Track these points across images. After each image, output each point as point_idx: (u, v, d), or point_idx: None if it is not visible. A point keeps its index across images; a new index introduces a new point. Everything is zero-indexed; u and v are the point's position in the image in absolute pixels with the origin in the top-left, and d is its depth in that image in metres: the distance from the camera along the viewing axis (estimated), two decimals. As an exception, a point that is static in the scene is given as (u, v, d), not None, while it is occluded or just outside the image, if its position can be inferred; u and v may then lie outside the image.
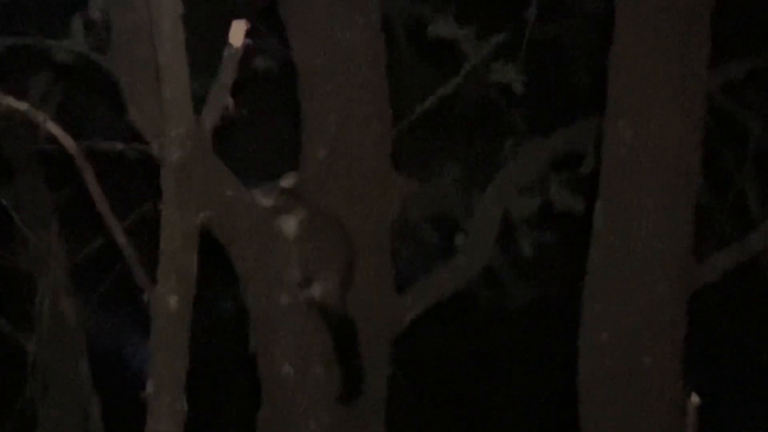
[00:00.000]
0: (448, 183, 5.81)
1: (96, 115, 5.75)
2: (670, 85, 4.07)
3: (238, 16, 3.37)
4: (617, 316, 4.12)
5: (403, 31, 5.57)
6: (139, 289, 3.68)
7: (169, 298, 3.41)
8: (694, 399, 3.80)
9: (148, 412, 3.43)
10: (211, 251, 3.82)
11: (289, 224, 4.09)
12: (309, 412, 4.11)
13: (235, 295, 4.21)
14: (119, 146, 4.99)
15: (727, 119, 5.50)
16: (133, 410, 3.57)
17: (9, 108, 3.78)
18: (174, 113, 3.39)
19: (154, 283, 3.45)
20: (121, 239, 3.81)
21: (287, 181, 4.15)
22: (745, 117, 5.60)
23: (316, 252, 4.10)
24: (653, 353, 4.09)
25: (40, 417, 6.26)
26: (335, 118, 4.25)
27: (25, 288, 6.27)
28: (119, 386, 6.52)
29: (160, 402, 3.41)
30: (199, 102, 3.46)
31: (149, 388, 3.42)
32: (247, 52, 3.38)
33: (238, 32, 3.33)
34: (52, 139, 3.74)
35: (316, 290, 4.09)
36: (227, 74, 3.38)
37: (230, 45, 3.34)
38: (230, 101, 3.45)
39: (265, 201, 4.07)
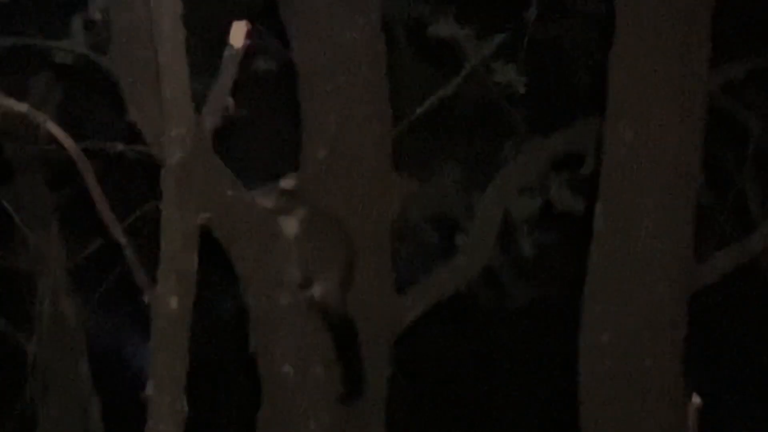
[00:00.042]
0: (449, 183, 5.81)
1: (96, 115, 5.74)
2: (671, 86, 4.07)
3: (239, 17, 3.37)
4: (618, 316, 4.11)
5: (404, 32, 5.56)
6: (139, 289, 3.68)
7: (170, 299, 3.41)
8: (695, 400, 3.81)
9: (148, 413, 3.43)
10: (212, 251, 3.81)
11: (289, 225, 4.09)
12: (309, 412, 4.11)
13: (235, 295, 4.20)
14: (119, 147, 4.99)
15: (728, 119, 5.50)
16: (133, 410, 3.58)
17: (9, 109, 3.78)
18: (174, 113, 3.39)
19: (154, 284, 3.45)
20: (122, 239, 3.81)
21: (287, 182, 4.15)
22: (745, 117, 5.60)
23: (316, 252, 4.10)
24: (654, 354, 4.09)
25: (40, 417, 6.27)
26: (335, 118, 4.25)
27: (25, 288, 6.28)
28: (119, 386, 6.52)
29: (161, 402, 3.41)
30: (199, 102, 3.46)
31: (149, 388, 3.42)
32: (248, 52, 3.38)
33: (238, 33, 3.33)
34: (53, 140, 3.74)
35: (317, 290, 4.09)
36: (227, 75, 3.38)
37: (230, 46, 3.34)
38: (230, 101, 3.45)
39: (265, 201, 4.07)
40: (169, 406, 3.41)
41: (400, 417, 4.61)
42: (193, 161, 3.44)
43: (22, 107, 3.78)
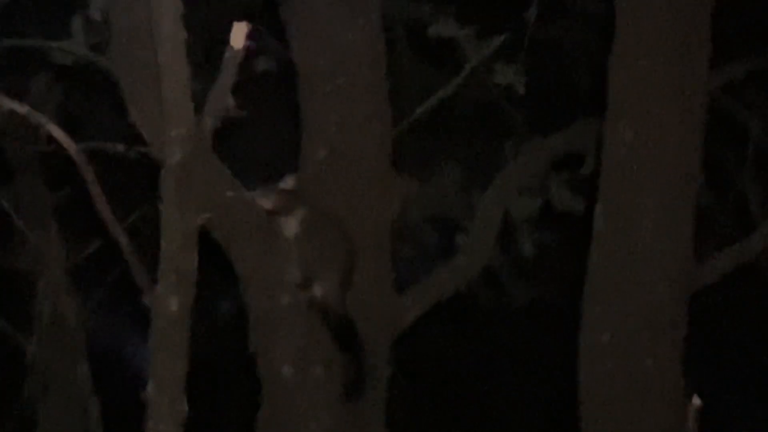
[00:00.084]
0: (448, 183, 5.81)
1: (96, 116, 5.75)
2: (671, 86, 4.07)
3: (239, 18, 3.36)
4: (618, 316, 4.11)
5: (404, 32, 5.56)
6: (139, 289, 3.68)
7: (169, 299, 3.40)
8: (696, 400, 3.81)
9: (148, 413, 3.43)
10: (211, 252, 3.81)
11: (289, 225, 4.09)
12: (309, 413, 4.11)
13: (235, 295, 4.20)
14: (119, 147, 4.99)
15: (728, 119, 5.50)
16: (133, 411, 3.57)
17: (9, 109, 3.78)
18: (174, 114, 3.38)
19: (154, 284, 3.45)
20: (121, 240, 3.81)
21: (287, 184, 4.15)
22: (745, 117, 5.60)
23: (316, 252, 4.10)
24: (654, 354, 4.09)
25: (40, 417, 6.27)
26: (335, 118, 4.26)
27: (24, 288, 6.28)
28: (119, 387, 6.52)
29: (161, 403, 3.41)
30: (199, 103, 3.46)
31: (149, 388, 3.42)
32: (248, 53, 3.38)
33: (239, 34, 3.32)
34: (52, 140, 3.74)
35: (317, 290, 4.09)
36: (228, 75, 3.37)
37: (231, 46, 3.34)
38: (231, 102, 3.45)
39: (265, 202, 4.07)
40: (169, 406, 3.41)
41: (401, 417, 4.61)
42: (193, 162, 3.44)
43: (23, 108, 3.78)
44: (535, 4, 5.09)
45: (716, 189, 5.60)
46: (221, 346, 7.04)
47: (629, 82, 4.12)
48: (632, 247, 4.11)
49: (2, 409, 6.57)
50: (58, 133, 3.71)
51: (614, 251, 4.14)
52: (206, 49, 3.64)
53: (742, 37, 5.32)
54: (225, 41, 3.37)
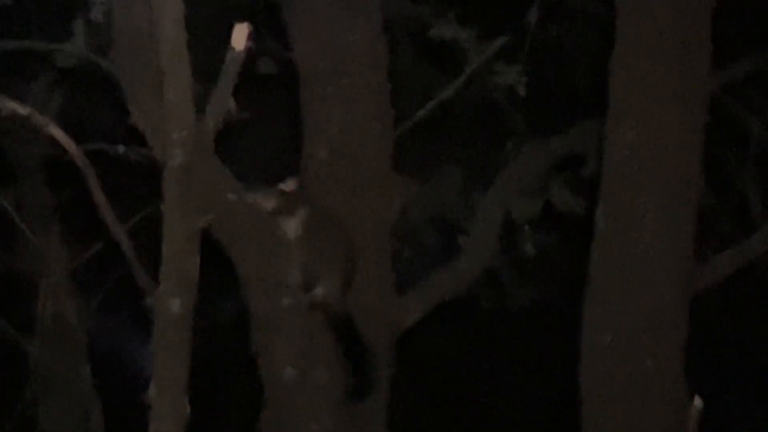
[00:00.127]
0: (450, 184, 5.81)
1: (97, 117, 5.75)
2: (672, 87, 4.07)
3: (240, 19, 3.37)
4: (619, 317, 4.11)
5: (405, 33, 5.56)
6: (141, 291, 3.68)
7: (171, 301, 3.40)
8: (697, 402, 3.81)
9: (150, 415, 3.43)
10: (213, 253, 3.82)
11: (290, 226, 4.09)
12: (311, 414, 4.11)
13: (236, 297, 4.21)
14: (121, 149, 5.00)
15: (728, 120, 5.50)
16: (135, 412, 3.58)
17: (11, 111, 3.78)
18: (176, 116, 3.39)
19: (155, 286, 3.45)
20: (123, 242, 3.81)
21: (287, 186, 4.15)
22: (746, 118, 5.60)
23: (317, 253, 4.10)
24: (655, 355, 4.09)
25: (41, 419, 6.27)
26: (337, 119, 4.26)
27: (26, 290, 6.28)
28: (121, 388, 6.52)
29: (162, 404, 3.41)
30: (201, 104, 3.46)
31: (151, 390, 3.42)
32: (249, 55, 3.38)
33: (240, 35, 3.33)
34: (54, 143, 3.75)
35: (318, 291, 4.09)
36: (229, 77, 3.38)
37: (232, 48, 3.34)
38: (232, 104, 3.45)
39: (266, 203, 4.07)
40: (170, 407, 3.41)
41: (402, 418, 4.61)
42: (195, 163, 3.44)
43: (25, 110, 3.78)
44: (536, 6, 5.09)
45: (717, 190, 5.60)
46: (223, 347, 7.04)
47: (630, 83, 4.12)
48: (633, 248, 4.11)
49: (4, 411, 6.57)
50: (59, 134, 3.72)
51: (615, 252, 4.14)
52: (207, 51, 3.63)
53: (743, 38, 5.33)
54: (226, 43, 3.37)
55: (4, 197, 5.59)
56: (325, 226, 4.15)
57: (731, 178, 5.76)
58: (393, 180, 4.42)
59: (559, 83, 5.89)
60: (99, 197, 3.74)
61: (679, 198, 4.12)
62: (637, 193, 4.11)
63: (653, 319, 4.10)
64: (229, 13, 4.47)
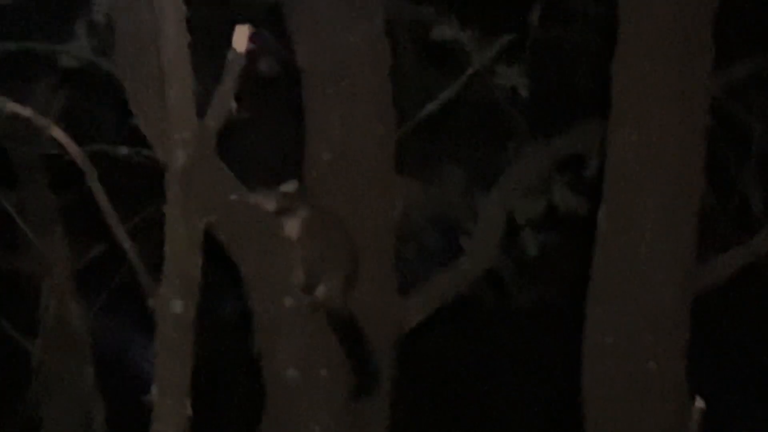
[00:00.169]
0: (452, 185, 5.81)
1: (100, 119, 5.75)
2: (674, 88, 4.07)
3: (242, 21, 3.37)
4: (621, 318, 4.11)
5: (407, 34, 5.57)
6: (144, 292, 3.68)
7: (174, 302, 3.41)
8: (699, 403, 3.80)
9: (152, 416, 3.43)
10: (215, 254, 3.82)
11: (292, 226, 4.10)
12: (313, 415, 4.11)
13: (239, 298, 4.21)
14: (123, 150, 5.00)
15: (730, 121, 5.50)
16: (138, 414, 3.58)
17: (13, 113, 3.78)
18: (178, 117, 3.39)
19: (158, 287, 3.46)
20: (125, 243, 3.81)
21: (288, 187, 4.16)
22: (747, 119, 5.60)
23: (319, 254, 4.10)
24: (657, 356, 4.09)
25: (44, 420, 6.28)
26: (339, 121, 4.26)
27: (29, 292, 6.29)
28: (123, 390, 6.52)
29: (165, 406, 3.41)
30: (203, 106, 3.46)
31: (153, 392, 3.42)
32: (251, 56, 3.38)
33: (241, 37, 3.33)
34: (56, 144, 3.75)
35: (320, 291, 4.09)
36: (231, 78, 3.38)
37: (234, 49, 3.35)
38: (234, 105, 3.45)
39: (268, 203, 4.07)
40: (173, 409, 3.41)
41: (404, 418, 4.61)
42: (197, 165, 3.45)
43: (27, 111, 3.78)
44: (538, 7, 5.09)
45: (718, 191, 5.60)
46: (225, 348, 7.04)
47: (632, 84, 4.12)
48: (635, 248, 4.10)
49: (7, 412, 6.58)
50: (61, 136, 3.72)
51: (617, 253, 4.14)
52: (209, 53, 3.63)
53: (744, 39, 5.33)
54: (227, 44, 3.37)
55: (6, 199, 5.59)
56: (326, 227, 4.16)
57: (733, 178, 5.76)
58: (395, 181, 4.42)
59: (560, 84, 5.89)
60: (101, 198, 3.73)
61: (680, 199, 4.12)
62: (639, 194, 4.11)
63: (655, 320, 4.10)
64: (231, 15, 4.47)
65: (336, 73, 4.24)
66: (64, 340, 6.25)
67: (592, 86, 5.65)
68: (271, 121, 5.81)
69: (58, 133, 3.73)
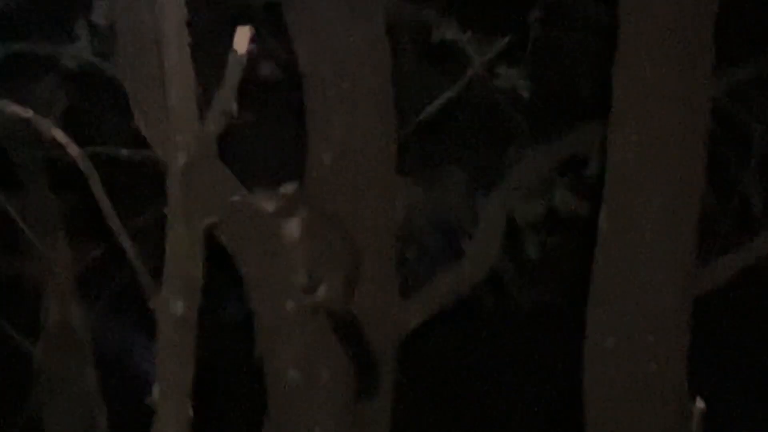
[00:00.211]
0: (453, 187, 5.81)
1: (101, 120, 5.76)
2: (674, 90, 4.07)
3: (243, 22, 3.37)
4: (622, 320, 4.11)
5: (407, 36, 5.57)
6: (145, 294, 3.68)
7: (175, 304, 3.41)
8: (699, 404, 3.81)
9: (154, 418, 3.44)
10: (216, 256, 3.82)
11: (292, 227, 4.10)
12: (314, 417, 4.11)
13: (241, 299, 4.21)
14: (124, 152, 5.00)
15: (731, 123, 5.50)
16: (139, 416, 3.58)
17: (15, 115, 3.78)
18: (179, 118, 3.40)
19: (159, 289, 3.46)
20: (127, 245, 3.81)
21: (288, 188, 4.16)
22: (748, 120, 5.60)
23: (319, 255, 4.10)
24: (658, 358, 4.09)
25: (46, 422, 6.28)
26: (340, 122, 4.26)
27: (30, 294, 6.29)
28: (125, 392, 6.53)
29: (166, 408, 3.42)
30: (204, 107, 3.47)
31: (155, 393, 3.43)
32: (252, 58, 3.38)
33: (242, 38, 3.33)
34: (58, 146, 3.75)
35: (321, 292, 4.09)
36: (232, 80, 3.38)
37: (234, 51, 3.35)
38: (235, 107, 3.46)
39: (268, 204, 4.07)
40: (174, 410, 3.42)
41: (405, 420, 4.61)
42: (198, 166, 3.45)
43: (28, 113, 3.78)
44: (538, 8, 5.09)
45: (719, 192, 5.60)
46: (226, 349, 7.04)
47: (633, 86, 4.11)
48: (636, 250, 4.10)
49: (9, 414, 6.58)
50: (63, 137, 3.72)
51: (618, 255, 4.14)
52: (210, 54, 3.64)
53: (745, 40, 5.33)
54: (228, 46, 3.38)
55: (8, 201, 5.59)
56: (327, 228, 4.16)
57: (733, 180, 5.76)
58: (396, 182, 4.42)
59: (561, 85, 5.89)
60: (102, 200, 3.73)
61: (681, 200, 4.12)
62: (640, 196, 4.11)
63: (656, 321, 4.10)
64: (232, 16, 4.48)
65: (336, 75, 4.24)
66: (65, 342, 6.25)
67: (593, 87, 5.66)
68: (272, 123, 5.81)
69: (59, 135, 3.73)
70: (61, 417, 6.26)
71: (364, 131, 4.28)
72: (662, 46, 4.07)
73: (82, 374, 6.29)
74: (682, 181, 4.11)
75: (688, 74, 4.07)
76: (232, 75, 3.39)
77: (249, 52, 3.36)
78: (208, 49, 3.62)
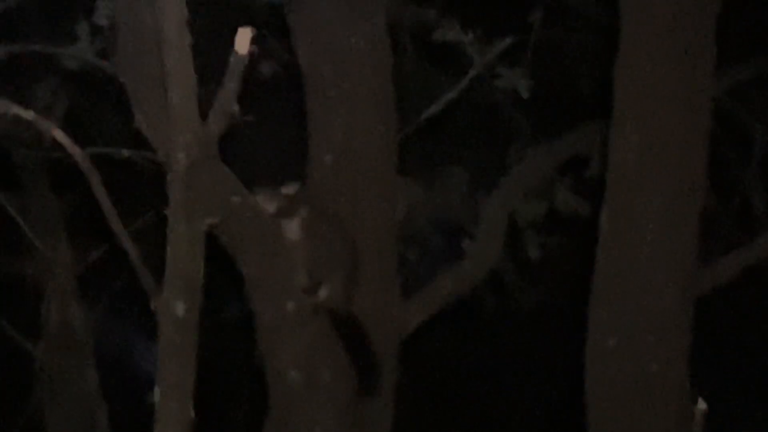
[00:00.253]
0: (454, 188, 5.81)
1: (102, 121, 5.76)
2: (676, 90, 4.06)
3: (244, 23, 3.37)
4: (623, 321, 4.11)
5: (408, 36, 5.57)
6: (146, 295, 3.68)
7: (176, 304, 3.41)
8: (701, 405, 3.80)
9: (155, 419, 3.44)
10: (218, 256, 3.82)
11: (293, 228, 4.10)
12: (315, 417, 4.11)
13: (242, 300, 4.21)
14: (125, 153, 5.00)
15: (732, 123, 5.50)
16: (141, 416, 3.58)
17: (15, 115, 3.78)
18: (180, 119, 3.40)
19: (161, 289, 3.46)
20: (128, 245, 3.81)
21: (288, 189, 4.16)
22: (750, 120, 5.60)
23: (319, 255, 4.11)
24: (659, 358, 4.09)
25: (48, 423, 6.27)
26: (340, 123, 4.26)
27: (32, 294, 6.29)
28: (126, 392, 6.53)
29: (168, 408, 3.42)
30: (205, 108, 3.47)
31: (156, 394, 3.43)
32: (253, 58, 3.39)
33: (243, 39, 3.33)
34: (59, 146, 3.75)
35: (322, 293, 4.09)
36: (233, 81, 3.38)
37: (236, 52, 3.35)
38: (236, 108, 3.46)
39: (268, 205, 4.08)
40: (176, 411, 3.42)
41: (406, 420, 4.61)
42: (199, 167, 3.45)
43: (29, 114, 3.78)
44: (540, 8, 5.09)
45: (721, 192, 5.60)
46: (228, 350, 7.04)
47: (634, 85, 4.11)
48: (637, 250, 4.10)
49: (10, 415, 6.58)
50: (64, 138, 3.72)
51: (619, 255, 4.14)
52: (211, 55, 3.64)
53: (747, 40, 5.33)
54: (230, 47, 3.38)
55: (8, 202, 5.59)
56: (327, 229, 4.16)
57: (735, 180, 5.76)
58: (397, 183, 4.42)
59: (562, 85, 5.89)
60: (103, 201, 3.73)
61: (682, 200, 4.12)
62: (641, 196, 4.11)
63: (657, 322, 4.10)
64: (233, 17, 4.47)
65: (338, 75, 4.24)
66: (66, 343, 6.25)
67: (594, 88, 5.66)
68: (272, 123, 5.81)
69: (60, 136, 3.73)
70: (62, 417, 6.26)
71: (364, 131, 4.28)
72: (663, 46, 4.07)
73: (82, 375, 6.29)
74: (682, 181, 4.11)
75: (689, 74, 4.07)
76: (234, 76, 3.39)
77: (250, 53, 3.36)
78: (210, 50, 3.62)
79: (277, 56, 5.23)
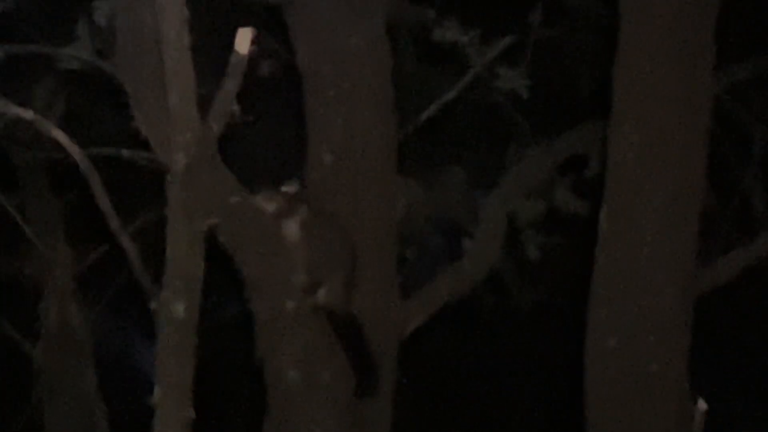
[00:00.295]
0: (453, 187, 5.81)
1: (101, 121, 5.75)
2: (675, 89, 4.06)
3: (244, 23, 3.37)
4: (623, 320, 4.11)
5: (408, 36, 5.57)
6: (146, 295, 3.68)
7: (176, 304, 3.42)
8: (701, 405, 3.80)
9: (154, 419, 3.44)
10: (217, 256, 3.82)
11: (292, 228, 4.10)
12: (314, 417, 4.11)
13: (241, 300, 4.21)
14: (125, 153, 5.00)
15: (732, 122, 5.50)
16: (140, 417, 3.58)
17: (15, 115, 3.79)
18: (179, 119, 3.40)
19: (160, 289, 3.46)
20: (127, 245, 3.82)
21: (288, 189, 4.16)
22: (749, 120, 5.60)
23: (319, 255, 4.10)
24: (659, 358, 4.09)
25: (47, 423, 6.27)
26: (340, 123, 4.26)
27: (31, 294, 6.29)
28: (126, 392, 6.52)
29: (167, 408, 3.42)
30: (204, 108, 3.46)
31: (156, 393, 3.43)
32: (253, 58, 3.39)
33: (243, 39, 3.33)
34: (58, 146, 3.75)
35: (321, 293, 4.09)
36: (233, 81, 3.38)
37: (236, 52, 3.35)
38: (236, 108, 3.46)
39: (268, 205, 4.07)
40: (175, 411, 3.42)
41: (405, 420, 4.61)
42: (199, 167, 3.45)
43: (28, 114, 3.78)
44: (539, 8, 5.09)
45: (720, 192, 5.60)
46: (227, 350, 7.04)
47: (634, 85, 4.11)
48: (637, 250, 4.10)
49: (9, 415, 6.58)
50: (63, 138, 3.72)
51: (619, 254, 4.14)
52: (211, 55, 3.64)
53: (746, 40, 5.33)
54: (230, 47, 3.38)
55: (8, 202, 5.59)
56: (327, 229, 4.16)
57: (734, 180, 5.76)
58: (396, 182, 4.42)
59: (561, 85, 5.89)
60: (103, 201, 3.74)
61: (682, 200, 4.12)
62: (640, 195, 4.11)
63: (657, 322, 4.10)
64: (233, 17, 4.47)
65: (337, 75, 4.24)
66: (65, 343, 6.25)
67: (593, 87, 5.66)
68: (272, 123, 5.81)
69: (59, 136, 3.73)
70: (61, 417, 6.26)
71: (364, 131, 4.28)
72: (663, 45, 4.07)
73: (82, 374, 6.28)
74: (682, 180, 4.11)
75: (689, 74, 4.07)
76: (234, 76, 3.39)
77: (250, 53, 3.36)
78: (210, 50, 3.62)
79: (277, 56, 5.23)
